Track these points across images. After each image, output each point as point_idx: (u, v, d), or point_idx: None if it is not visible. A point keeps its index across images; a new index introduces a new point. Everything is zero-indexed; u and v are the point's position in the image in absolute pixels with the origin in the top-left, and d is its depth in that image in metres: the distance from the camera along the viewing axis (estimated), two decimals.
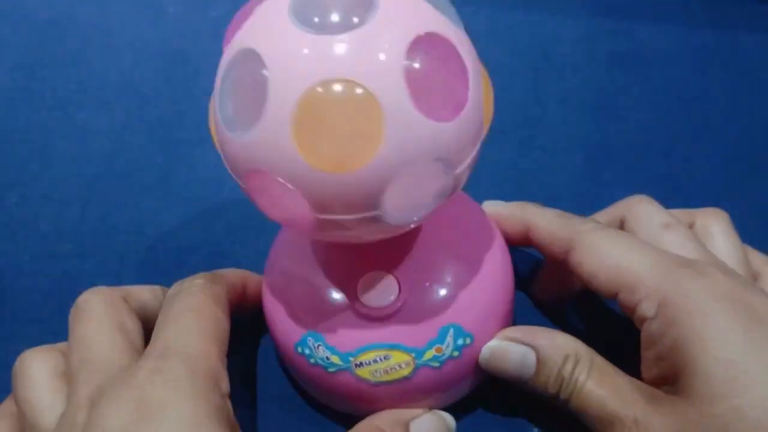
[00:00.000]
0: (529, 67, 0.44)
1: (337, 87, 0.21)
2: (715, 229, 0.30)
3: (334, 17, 0.21)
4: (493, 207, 0.33)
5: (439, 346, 0.28)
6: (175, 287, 0.29)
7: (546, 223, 0.30)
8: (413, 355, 0.28)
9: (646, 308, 0.26)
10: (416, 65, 0.21)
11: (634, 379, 0.27)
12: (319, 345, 0.28)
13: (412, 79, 0.21)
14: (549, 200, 0.39)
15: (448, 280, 0.29)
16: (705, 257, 0.28)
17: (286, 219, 0.24)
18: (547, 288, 0.34)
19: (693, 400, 0.24)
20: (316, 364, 0.29)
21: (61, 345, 0.28)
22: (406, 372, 0.28)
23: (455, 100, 0.23)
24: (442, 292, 0.29)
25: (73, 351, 0.26)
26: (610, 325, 0.34)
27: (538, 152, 0.40)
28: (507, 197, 0.36)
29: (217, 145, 0.24)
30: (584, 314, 0.35)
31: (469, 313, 0.29)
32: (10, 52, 0.44)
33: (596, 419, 0.26)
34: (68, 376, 0.26)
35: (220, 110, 0.23)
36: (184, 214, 0.38)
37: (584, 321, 0.34)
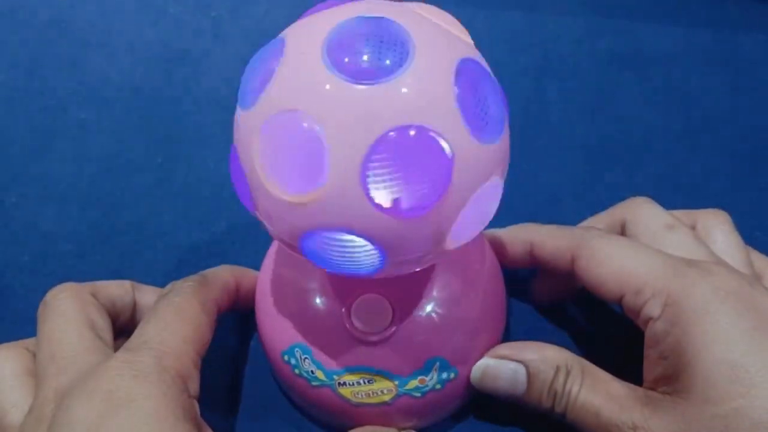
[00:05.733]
0: (529, 67, 0.44)
1: (402, 134, 0.20)
2: (717, 230, 0.30)
3: (374, 62, 0.21)
4: (492, 233, 0.32)
5: (423, 377, 0.28)
6: (168, 287, 0.29)
7: (547, 237, 0.30)
8: (396, 383, 0.28)
9: (652, 308, 0.26)
10: (464, 94, 0.21)
11: (629, 384, 0.27)
12: (305, 358, 0.28)
13: (465, 109, 0.21)
14: (549, 200, 0.39)
15: (442, 313, 0.29)
16: (708, 258, 0.27)
17: (351, 270, 0.23)
18: (544, 291, 0.34)
19: (694, 400, 0.24)
20: (300, 376, 0.29)
21: (27, 341, 0.28)
22: (386, 398, 0.28)
23: (496, 119, 0.23)
24: (434, 324, 0.28)
25: (42, 347, 0.26)
26: (610, 325, 0.34)
27: (538, 152, 0.40)
28: (506, 197, 0.36)
29: (263, 210, 0.23)
30: (584, 315, 0.35)
31: (458, 348, 0.29)
32: (10, 52, 0.44)
33: (594, 428, 0.26)
34: (36, 373, 0.26)
35: (266, 177, 0.22)
36: (184, 214, 0.38)
37: (584, 321, 0.34)
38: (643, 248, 0.27)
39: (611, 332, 0.34)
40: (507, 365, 0.28)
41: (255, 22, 0.46)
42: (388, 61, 0.21)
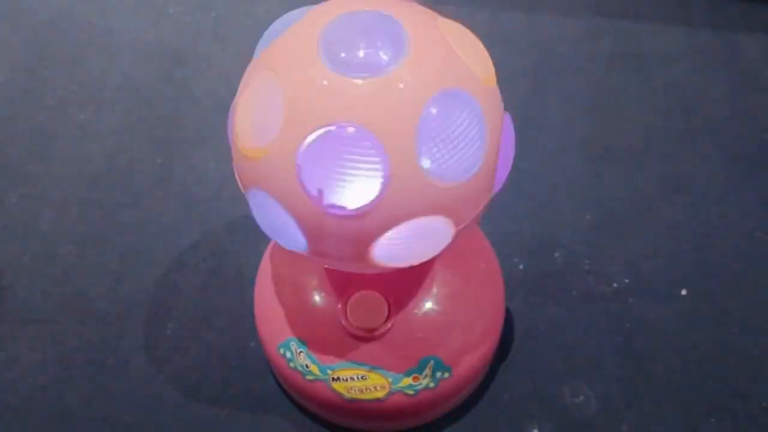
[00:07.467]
0: (529, 67, 0.44)
1: (349, 132, 0.20)
2: None
3: (360, 58, 0.21)
4: None
5: (417, 375, 0.28)
6: None
7: None
8: (390, 380, 0.28)
9: None
10: (433, 123, 0.21)
11: None
12: (300, 352, 0.29)
13: (425, 137, 0.21)
14: (549, 200, 0.39)
15: (438, 312, 0.29)
16: None
17: (283, 243, 0.24)
18: None
19: None
20: (294, 369, 0.29)
21: None
22: (379, 394, 0.28)
23: (468, 161, 0.22)
24: (429, 323, 0.29)
25: None
26: None
27: (538, 152, 0.40)
28: (506, 197, 0.36)
29: (233, 153, 0.24)
30: None
31: (453, 348, 0.29)
32: (10, 52, 0.44)
33: None
34: None
35: (238, 121, 0.23)
36: (184, 214, 0.38)
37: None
38: None
39: None
40: None
41: (255, 22, 0.46)
42: (365, 61, 0.21)
